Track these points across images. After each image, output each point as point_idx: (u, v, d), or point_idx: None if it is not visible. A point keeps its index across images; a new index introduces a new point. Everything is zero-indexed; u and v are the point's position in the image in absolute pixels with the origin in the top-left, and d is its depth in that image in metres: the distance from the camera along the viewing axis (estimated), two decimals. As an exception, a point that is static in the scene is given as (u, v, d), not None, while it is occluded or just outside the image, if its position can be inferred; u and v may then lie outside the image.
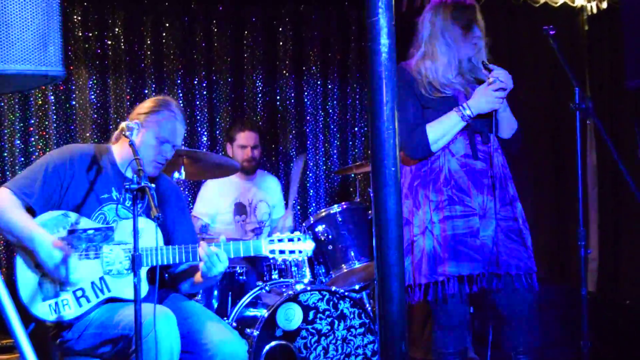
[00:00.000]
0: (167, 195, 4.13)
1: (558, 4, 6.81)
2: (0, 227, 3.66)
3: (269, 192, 6.00)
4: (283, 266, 5.12)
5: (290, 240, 4.00)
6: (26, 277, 3.66)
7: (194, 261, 3.84)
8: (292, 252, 4.00)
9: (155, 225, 3.69)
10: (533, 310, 4.29)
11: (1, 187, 3.76)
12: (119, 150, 3.94)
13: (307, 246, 4.02)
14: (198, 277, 3.93)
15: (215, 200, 5.82)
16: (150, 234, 3.77)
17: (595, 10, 6.93)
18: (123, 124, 3.69)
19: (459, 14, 4.20)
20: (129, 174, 3.75)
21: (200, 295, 4.93)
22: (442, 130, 4.12)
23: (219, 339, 3.80)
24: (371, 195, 5.33)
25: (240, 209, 5.85)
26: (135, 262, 3.18)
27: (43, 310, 3.65)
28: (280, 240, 3.99)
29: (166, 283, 4.12)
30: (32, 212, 3.73)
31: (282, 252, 3.98)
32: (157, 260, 3.73)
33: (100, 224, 3.80)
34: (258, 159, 5.98)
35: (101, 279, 3.73)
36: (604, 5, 6.88)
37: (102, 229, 3.74)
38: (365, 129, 6.67)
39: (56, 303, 3.66)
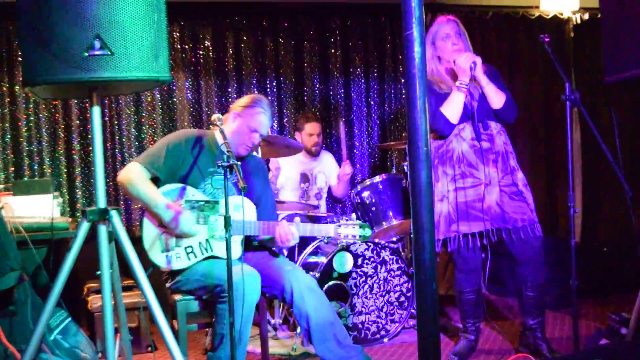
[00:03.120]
0: (257, 170, 4.15)
1: (549, 16, 6.73)
2: (133, 195, 3.72)
3: (326, 165, 5.99)
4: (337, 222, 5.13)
5: (354, 226, 4.01)
6: (150, 233, 3.72)
7: (272, 234, 3.89)
8: (354, 236, 4.01)
9: (244, 199, 3.71)
10: (539, 254, 4.31)
11: (132, 161, 3.82)
12: (219, 134, 3.93)
13: (367, 232, 4.02)
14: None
15: (286, 171, 5.85)
16: (247, 209, 3.83)
17: (579, 21, 6.84)
18: (214, 116, 3.70)
19: (441, 28, 4.38)
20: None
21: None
22: (452, 106, 4.23)
23: (294, 280, 3.84)
24: (405, 168, 5.33)
25: (305, 178, 5.87)
26: (226, 222, 3.21)
27: (160, 259, 3.71)
28: (346, 226, 4.00)
29: (256, 247, 4.17)
30: (156, 181, 3.79)
31: (346, 235, 4.00)
32: (246, 232, 3.82)
33: (208, 196, 3.84)
34: (321, 144, 5.99)
35: (207, 240, 3.78)
36: (586, 16, 6.81)
37: (210, 202, 3.77)
38: (399, 116, 6.64)
39: (170, 255, 3.72)
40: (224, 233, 3.22)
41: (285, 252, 5.06)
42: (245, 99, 4.04)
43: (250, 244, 4.12)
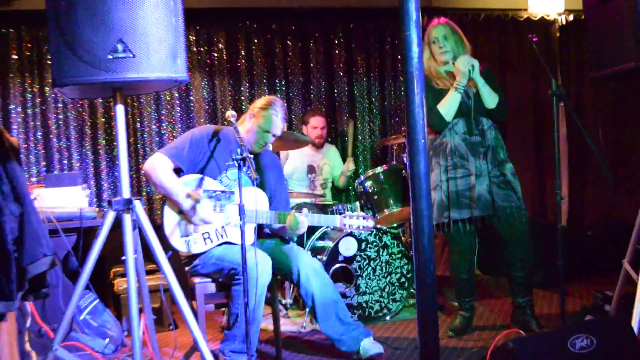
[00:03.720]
0: (271, 165, 4.16)
1: (537, 18, 6.71)
2: (155, 184, 3.72)
3: (331, 157, 6.01)
4: (342, 211, 5.12)
5: (358, 217, 4.01)
6: (170, 219, 3.73)
7: (283, 223, 3.89)
8: (358, 227, 4.00)
9: (257, 190, 3.75)
10: (525, 236, 4.31)
11: (157, 152, 3.83)
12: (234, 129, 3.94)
13: (369, 224, 4.02)
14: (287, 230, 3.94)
15: (294, 163, 5.86)
16: (260, 199, 3.86)
17: (564, 22, 6.82)
18: (228, 113, 3.69)
19: (431, 32, 4.39)
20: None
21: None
22: (447, 104, 4.24)
23: (301, 263, 3.86)
24: (404, 160, 5.32)
25: (311, 169, 5.88)
26: (240, 211, 3.21)
27: (179, 244, 3.72)
28: (351, 217, 3.99)
29: (268, 235, 4.17)
30: (178, 171, 3.80)
31: (350, 225, 3.99)
32: (259, 220, 3.82)
33: (224, 187, 3.85)
34: (325, 137, 6.00)
35: (222, 227, 3.79)
36: (571, 18, 6.78)
37: (226, 192, 3.79)
38: (399, 112, 6.63)
39: (189, 240, 3.73)
40: (238, 221, 3.23)
41: (295, 237, 5.07)
42: (261, 101, 4.04)
43: (263, 231, 4.14)
